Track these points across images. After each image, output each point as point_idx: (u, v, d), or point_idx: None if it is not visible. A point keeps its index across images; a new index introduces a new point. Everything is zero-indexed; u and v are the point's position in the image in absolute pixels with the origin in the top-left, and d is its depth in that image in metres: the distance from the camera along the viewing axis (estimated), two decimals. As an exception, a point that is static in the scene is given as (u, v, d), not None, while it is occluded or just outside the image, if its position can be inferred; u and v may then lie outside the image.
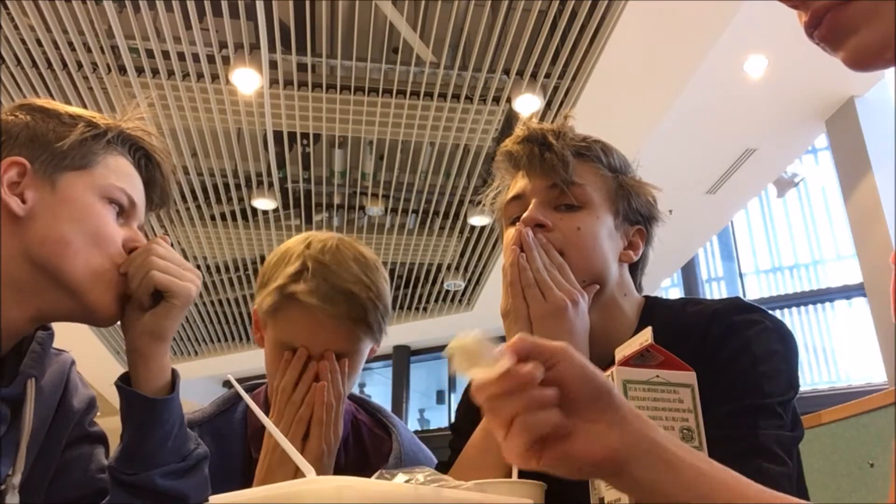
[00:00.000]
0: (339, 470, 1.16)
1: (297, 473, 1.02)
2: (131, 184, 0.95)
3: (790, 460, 0.81)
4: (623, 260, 1.02)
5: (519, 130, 1.04)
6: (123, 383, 0.91)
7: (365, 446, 1.24)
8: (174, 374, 0.95)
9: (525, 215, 0.97)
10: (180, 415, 0.93)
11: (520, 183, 1.02)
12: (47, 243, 0.84)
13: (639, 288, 1.05)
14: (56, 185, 0.86)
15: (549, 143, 1.00)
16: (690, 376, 0.68)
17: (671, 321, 0.94)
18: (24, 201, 0.84)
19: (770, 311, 0.93)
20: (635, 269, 1.05)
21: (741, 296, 6.98)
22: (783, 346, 0.89)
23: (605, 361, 0.95)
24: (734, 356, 0.86)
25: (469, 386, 1.14)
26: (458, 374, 0.55)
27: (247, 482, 1.10)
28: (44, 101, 0.93)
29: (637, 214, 1.03)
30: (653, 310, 1.02)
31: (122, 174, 0.94)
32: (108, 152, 0.93)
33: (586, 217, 0.98)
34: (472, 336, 0.54)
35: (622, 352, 0.72)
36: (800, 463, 0.87)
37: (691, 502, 0.56)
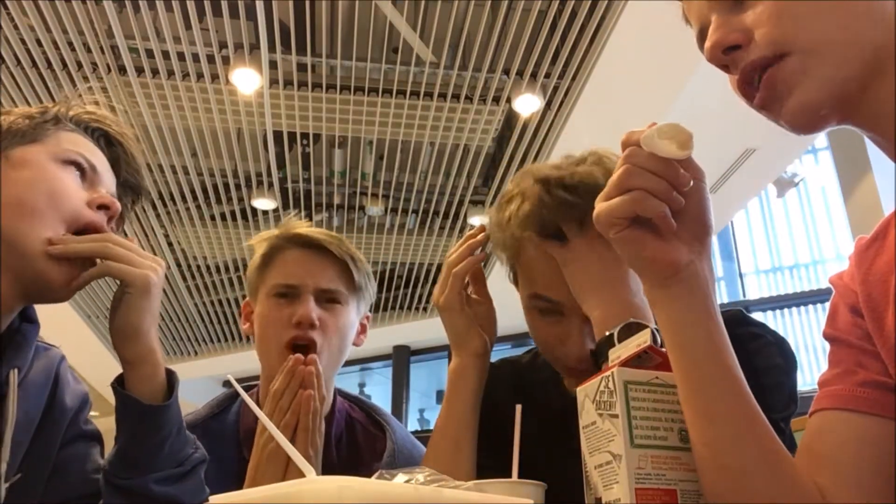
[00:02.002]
0: (332, 466, 1.18)
1: (287, 470, 1.03)
2: (89, 151, 0.93)
3: None
4: None
5: (519, 229, 0.93)
6: (119, 384, 0.89)
7: (358, 443, 1.26)
8: (171, 375, 0.91)
9: (575, 353, 0.93)
10: (178, 420, 0.90)
11: (550, 291, 0.93)
12: (3, 207, 0.83)
13: None
14: (10, 157, 0.86)
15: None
16: None
17: None
18: None
19: (770, 325, 0.94)
20: None
21: (741, 296, 6.95)
22: (784, 361, 0.89)
23: None
24: None
25: None
26: (649, 141, 0.64)
27: (241, 484, 1.10)
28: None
29: None
30: None
31: (78, 143, 0.92)
32: (61, 129, 0.92)
33: None
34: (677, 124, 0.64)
35: (617, 352, 0.72)
36: None
37: (695, 342, 0.65)
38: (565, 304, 0.92)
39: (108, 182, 0.94)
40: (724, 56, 0.64)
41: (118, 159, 0.98)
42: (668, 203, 0.64)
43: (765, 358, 0.87)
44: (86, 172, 0.91)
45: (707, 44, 0.65)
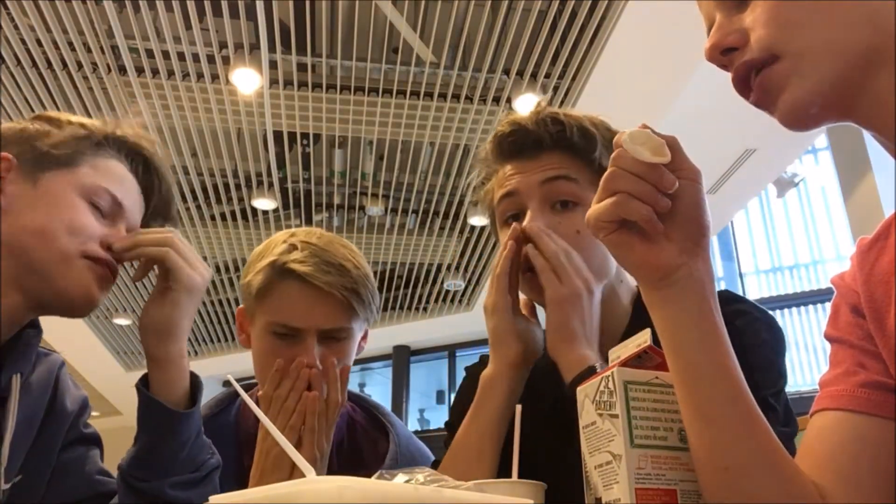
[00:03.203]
0: (332, 472, 1.14)
1: (291, 476, 1.01)
2: (120, 185, 0.95)
3: None
4: None
5: (502, 126, 1.03)
6: (144, 386, 0.89)
7: (359, 448, 1.23)
8: (195, 380, 0.92)
9: (526, 223, 0.96)
10: (198, 426, 0.90)
11: (511, 180, 1.00)
12: (21, 232, 0.86)
13: None
14: (38, 181, 0.89)
15: (539, 139, 0.99)
16: None
17: None
18: (4, 194, 0.87)
19: (757, 304, 0.94)
20: None
21: (742, 294, 6.97)
22: (771, 336, 0.89)
23: (603, 350, 0.96)
24: None
25: (463, 382, 1.15)
26: (626, 145, 0.63)
27: (238, 487, 1.08)
28: (57, 113, 0.95)
29: None
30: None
31: (109, 175, 0.94)
32: (99, 154, 0.94)
33: (584, 216, 0.97)
34: (647, 132, 0.64)
35: (617, 352, 0.72)
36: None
37: (690, 347, 0.64)
38: (522, 191, 0.98)
39: (131, 215, 0.96)
40: (722, 57, 0.65)
41: (151, 187, 1.01)
42: (653, 205, 0.64)
43: (752, 335, 0.87)
44: (109, 208, 0.93)
45: (706, 45, 0.66)
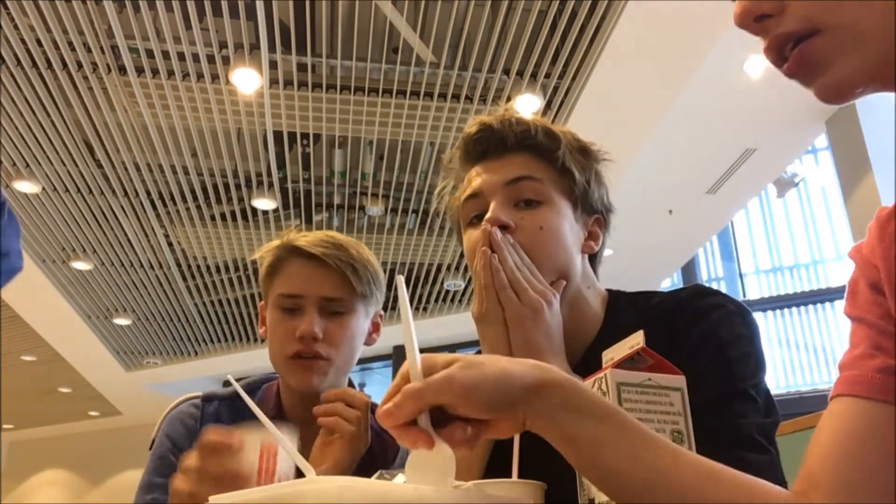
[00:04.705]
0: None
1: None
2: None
3: (771, 447, 0.82)
4: (584, 251, 1.01)
5: (469, 127, 1.03)
6: None
7: (371, 451, 1.24)
8: None
9: (488, 216, 0.95)
10: None
11: (475, 181, 1.01)
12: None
13: (598, 278, 1.06)
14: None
15: (504, 139, 1.00)
16: (680, 380, 0.68)
17: (636, 314, 0.95)
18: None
19: (769, 325, 0.94)
20: (594, 259, 1.05)
21: (741, 296, 6.96)
22: (747, 329, 0.90)
23: (574, 356, 0.96)
24: (702, 342, 0.87)
25: None
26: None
27: None
28: None
29: (595, 204, 1.03)
30: (618, 303, 1.01)
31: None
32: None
33: (547, 213, 0.96)
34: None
35: (611, 354, 0.72)
36: (776, 449, 0.88)
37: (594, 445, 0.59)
38: (485, 192, 0.99)
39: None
40: (755, 24, 0.61)
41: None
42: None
43: (728, 329, 0.88)
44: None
45: (736, 9, 0.61)
